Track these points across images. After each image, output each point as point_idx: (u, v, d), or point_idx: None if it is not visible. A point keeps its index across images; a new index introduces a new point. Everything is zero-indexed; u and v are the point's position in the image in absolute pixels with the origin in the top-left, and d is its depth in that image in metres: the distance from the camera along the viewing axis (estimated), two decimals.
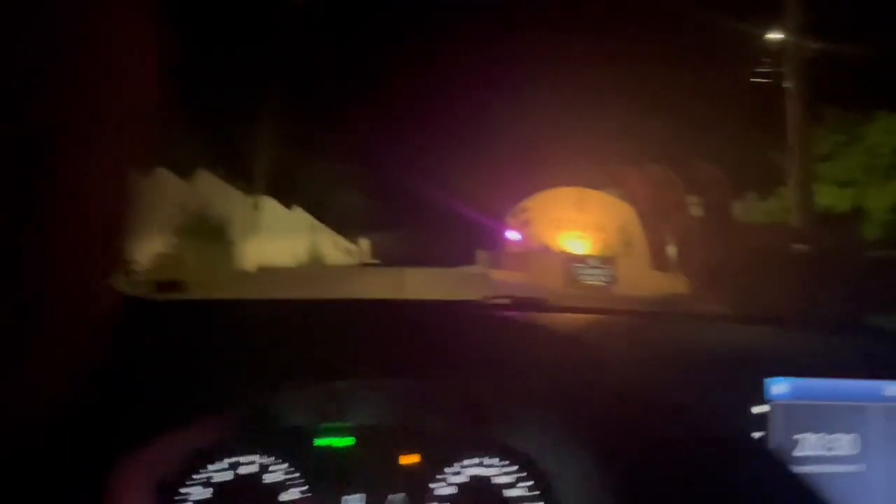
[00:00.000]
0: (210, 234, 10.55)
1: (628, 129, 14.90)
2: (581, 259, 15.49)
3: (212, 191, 10.77)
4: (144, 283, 0.98)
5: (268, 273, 12.62)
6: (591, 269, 15.21)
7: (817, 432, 0.77)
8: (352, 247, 28.85)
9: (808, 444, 0.77)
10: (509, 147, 20.64)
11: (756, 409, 0.73)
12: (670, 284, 10.99)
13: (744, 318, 1.30)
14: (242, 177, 12.51)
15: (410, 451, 0.77)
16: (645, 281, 12.03)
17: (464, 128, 24.87)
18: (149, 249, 8.60)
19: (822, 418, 0.77)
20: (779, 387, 0.74)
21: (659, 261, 11.49)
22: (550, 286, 13.74)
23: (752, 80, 12.89)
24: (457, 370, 0.78)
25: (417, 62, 25.30)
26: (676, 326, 1.13)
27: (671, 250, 10.91)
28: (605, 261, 15.33)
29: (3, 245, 0.33)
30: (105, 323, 0.41)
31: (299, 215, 18.25)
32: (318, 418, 0.78)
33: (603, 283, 14.86)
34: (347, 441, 0.76)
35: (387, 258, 27.71)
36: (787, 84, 11.02)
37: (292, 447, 0.75)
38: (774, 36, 11.95)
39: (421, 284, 11.27)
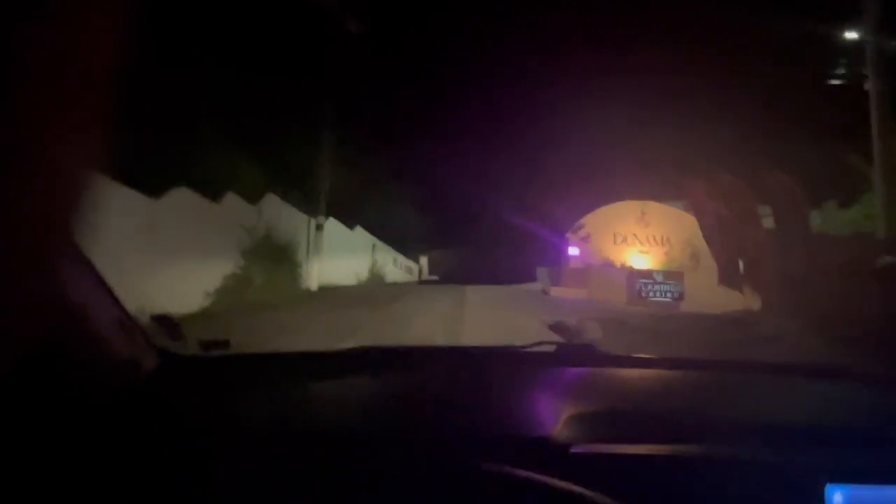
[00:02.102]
0: (276, 255, 11.02)
1: (693, 138, 14.34)
2: (646, 274, 14.99)
3: (277, 214, 11.23)
4: (190, 342, 0.99)
5: (331, 292, 12.99)
6: (657, 285, 14.67)
7: None
8: (412, 265, 29.25)
9: None
10: (569, 161, 20.36)
11: None
12: (741, 301, 10.37)
13: (809, 371, 1.19)
14: (306, 199, 12.98)
15: None
16: (714, 297, 11.42)
17: (522, 143, 24.81)
18: (219, 271, 9.08)
19: None
20: (840, 496, 0.65)
21: (728, 276, 10.87)
22: (614, 303, 13.36)
23: (829, 81, 12.11)
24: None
25: (474, 80, 25.57)
26: (732, 391, 1.03)
27: (741, 265, 10.30)
28: (672, 276, 14.75)
29: None
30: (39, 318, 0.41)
31: (361, 235, 18.72)
32: None
33: (669, 300, 14.30)
34: None
35: (446, 275, 27.91)
36: (868, 85, 10.29)
37: None
38: (853, 34, 11.22)
39: (479, 302, 11.22)
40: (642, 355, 1.22)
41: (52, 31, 0.36)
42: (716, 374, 1.18)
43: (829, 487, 0.64)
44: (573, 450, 0.66)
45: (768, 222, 9.72)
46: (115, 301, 0.73)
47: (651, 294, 14.22)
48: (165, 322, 0.95)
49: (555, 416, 0.74)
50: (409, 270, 27.33)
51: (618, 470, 0.65)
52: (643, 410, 0.84)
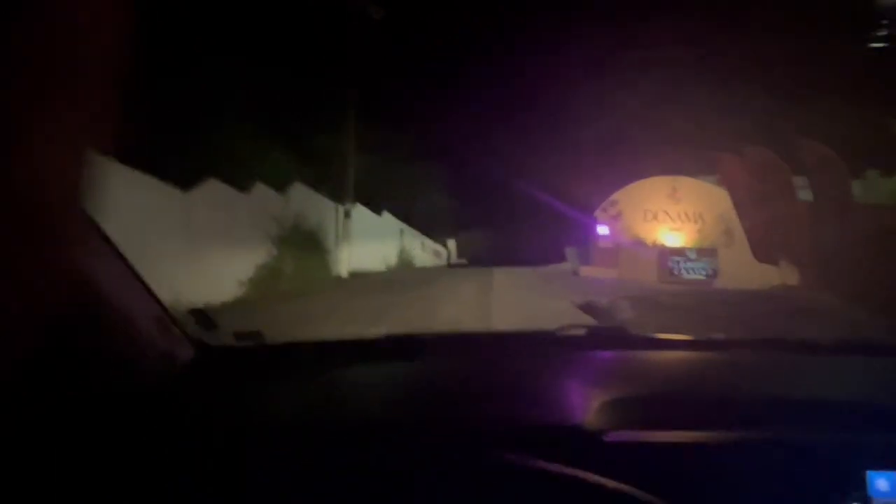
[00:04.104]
0: (306, 243, 11.16)
1: (725, 109, 13.86)
2: (678, 252, 14.67)
3: (306, 202, 11.35)
4: (225, 332, 1.01)
5: (360, 278, 13.14)
6: (690, 263, 14.36)
7: None
8: (440, 248, 29.30)
9: None
10: (596, 137, 19.97)
11: None
12: (778, 276, 10.07)
13: (849, 348, 1.14)
14: (334, 187, 13.08)
15: None
16: (749, 273, 11.12)
17: (548, 120, 24.43)
18: (251, 261, 9.26)
19: None
20: (884, 482, 0.62)
21: (763, 251, 10.54)
22: (645, 282, 13.15)
23: (867, 45, 11.53)
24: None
25: (497, 59, 25.22)
26: (769, 372, 1.00)
27: (777, 239, 9.99)
28: (705, 252, 14.41)
29: None
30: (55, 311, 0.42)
31: (388, 220, 18.82)
32: None
33: (703, 277, 13.99)
34: None
35: (474, 258, 27.87)
36: None
37: None
38: None
39: (508, 285, 11.20)
40: (674, 336, 1.20)
41: (80, 24, 0.36)
42: (750, 354, 1.15)
43: (870, 473, 0.62)
44: (606, 438, 0.65)
45: (806, 194, 9.38)
46: (151, 294, 0.75)
47: (684, 272, 13.95)
48: (200, 314, 0.98)
49: (586, 403, 0.74)
50: (437, 254, 27.41)
51: (650, 457, 0.64)
52: (676, 395, 0.82)
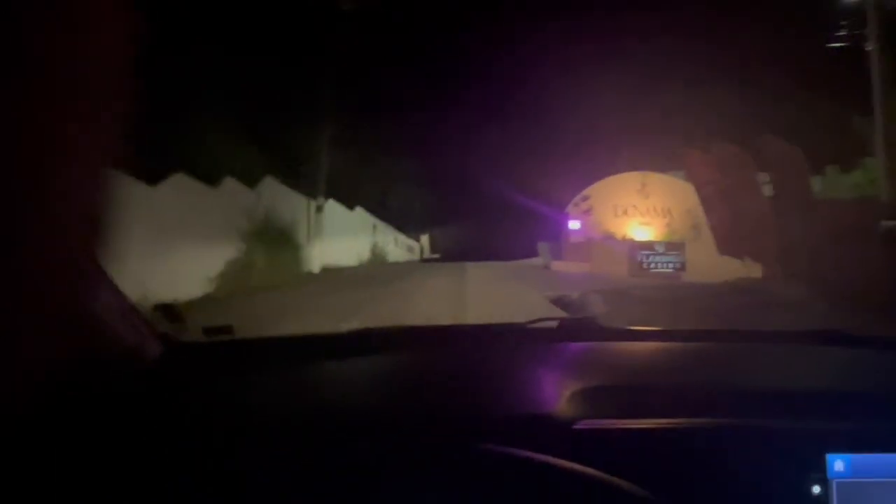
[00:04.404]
0: (277, 238, 11.01)
1: (690, 106, 14.18)
2: (647, 246, 14.98)
3: (277, 197, 11.19)
4: (194, 327, 0.99)
5: (333, 273, 13.03)
6: (659, 256, 14.68)
7: None
8: (413, 244, 29.27)
9: None
10: (566, 134, 20.21)
11: (816, 489, 0.64)
12: (742, 269, 10.38)
13: (810, 337, 1.18)
14: (306, 181, 12.93)
15: None
16: (715, 267, 11.44)
17: (519, 117, 24.61)
18: (221, 256, 9.10)
19: (890, 500, 0.68)
20: (841, 463, 0.65)
21: (728, 245, 10.85)
22: (616, 276, 13.39)
23: (828, 43, 11.91)
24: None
25: (470, 56, 25.23)
26: (734, 361, 1.03)
27: (742, 233, 10.28)
28: (673, 246, 14.75)
29: None
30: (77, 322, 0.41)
31: (361, 216, 18.70)
32: None
33: (671, 270, 14.32)
34: None
35: (447, 253, 27.94)
36: (868, 45, 10.12)
37: None
38: None
39: (481, 279, 11.26)
40: (643, 328, 1.22)
41: (52, 24, 0.36)
42: (716, 345, 1.18)
43: (829, 456, 0.65)
44: (577, 426, 0.66)
45: (769, 189, 9.67)
46: (115, 289, 0.73)
47: (653, 265, 14.25)
48: (167, 309, 0.96)
49: (557, 393, 0.75)
50: (411, 249, 27.38)
51: (619, 445, 0.65)
52: (644, 384, 0.84)
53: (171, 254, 7.24)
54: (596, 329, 1.21)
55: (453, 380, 0.88)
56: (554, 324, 1.18)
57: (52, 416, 0.58)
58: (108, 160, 0.44)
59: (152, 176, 7.06)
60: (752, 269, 10.26)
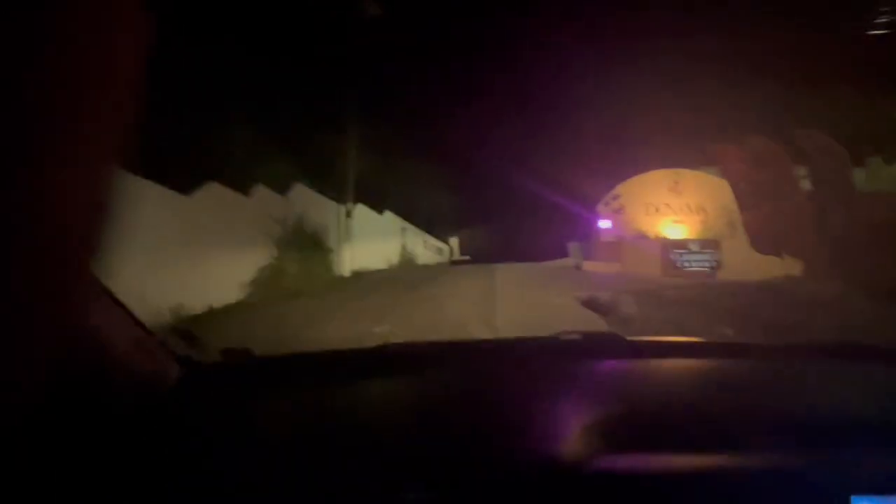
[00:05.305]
0: (308, 243, 11.16)
1: (723, 100, 13.80)
2: (681, 244, 14.63)
3: (307, 203, 11.35)
4: (211, 349, 0.99)
5: (363, 277, 13.14)
6: (693, 255, 14.31)
7: None
8: (442, 246, 29.28)
9: None
10: (595, 132, 19.92)
11: None
12: (781, 267, 10.03)
13: (845, 352, 1.12)
14: (335, 187, 13.08)
15: None
16: (752, 265, 11.09)
17: (547, 116, 24.37)
18: (254, 262, 9.29)
19: None
20: None
21: (766, 242, 10.49)
22: (649, 275, 13.12)
23: (867, 31, 11.46)
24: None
25: (497, 55, 25.13)
26: (758, 383, 0.98)
27: (779, 229, 9.95)
28: (708, 244, 14.36)
29: None
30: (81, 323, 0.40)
31: (390, 219, 18.81)
32: None
33: (706, 269, 13.95)
34: None
35: (476, 255, 27.84)
36: None
37: None
38: None
39: (510, 281, 11.18)
40: (667, 339, 1.19)
41: (71, 27, 0.35)
42: (741, 363, 1.13)
43: (854, 498, 0.61)
44: (590, 465, 0.64)
45: (807, 184, 9.33)
46: (130, 315, 0.74)
47: (687, 264, 13.91)
48: (184, 332, 0.97)
49: (569, 426, 0.73)
50: (440, 251, 27.40)
51: (629, 485, 0.63)
52: (660, 415, 0.81)
53: (207, 261, 7.42)
54: (619, 344, 1.17)
55: (467, 411, 0.86)
56: (577, 337, 1.15)
57: (52, 440, 0.58)
58: (120, 173, 0.43)
59: (186, 186, 7.25)
60: (790, 267, 9.92)
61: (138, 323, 0.75)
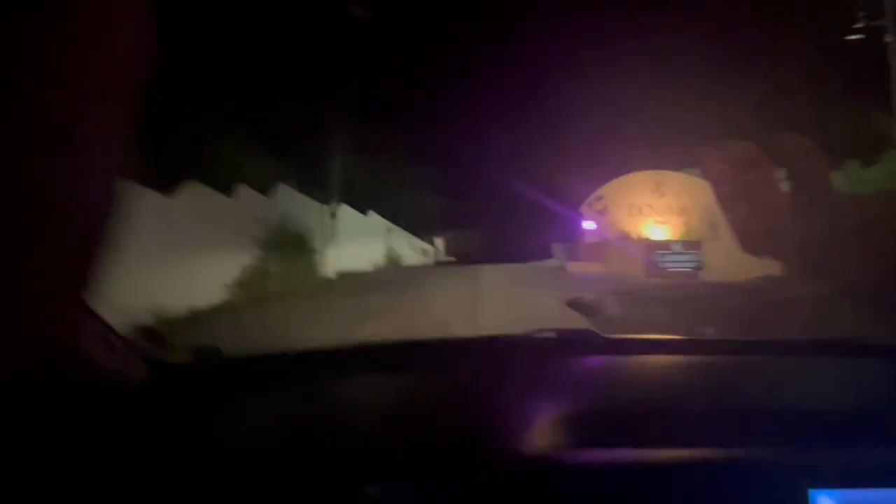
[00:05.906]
0: (292, 245, 11.09)
1: (705, 103, 14.00)
2: (664, 245, 14.81)
3: (291, 204, 11.28)
4: (181, 349, 0.96)
5: (348, 279, 13.07)
6: (676, 256, 14.49)
7: None
8: (427, 247, 29.27)
9: None
10: (578, 134, 20.09)
11: None
12: (762, 269, 10.20)
13: (820, 347, 1.14)
14: (319, 188, 13.00)
15: None
16: (734, 266, 11.26)
17: (530, 118, 24.53)
18: (237, 264, 9.21)
19: None
20: (826, 501, 0.61)
21: (747, 243, 10.66)
22: (632, 276, 13.24)
23: (846, 35, 11.71)
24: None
25: (482, 58, 25.24)
26: (728, 379, 0.99)
27: (760, 231, 10.12)
28: (691, 246, 14.55)
29: None
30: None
31: (375, 220, 18.78)
32: None
33: (689, 270, 14.12)
34: None
35: (461, 256, 27.87)
36: (888, 37, 9.94)
37: None
38: None
39: (495, 282, 11.22)
40: (645, 336, 1.20)
41: (55, 29, 0.35)
42: (713, 359, 1.14)
43: (812, 492, 0.61)
44: (558, 458, 0.65)
45: (786, 186, 9.52)
46: (93, 313, 0.72)
47: (669, 265, 14.08)
48: (150, 332, 0.94)
49: (540, 421, 0.73)
50: (425, 253, 27.40)
51: (590, 478, 0.63)
52: (625, 411, 0.81)
53: (188, 263, 7.32)
54: (595, 340, 1.18)
55: (438, 406, 0.85)
56: (552, 335, 1.15)
57: (15, 441, 0.57)
58: (110, 175, 0.43)
59: (167, 186, 7.15)
60: (771, 268, 10.08)
61: (103, 322, 0.73)
